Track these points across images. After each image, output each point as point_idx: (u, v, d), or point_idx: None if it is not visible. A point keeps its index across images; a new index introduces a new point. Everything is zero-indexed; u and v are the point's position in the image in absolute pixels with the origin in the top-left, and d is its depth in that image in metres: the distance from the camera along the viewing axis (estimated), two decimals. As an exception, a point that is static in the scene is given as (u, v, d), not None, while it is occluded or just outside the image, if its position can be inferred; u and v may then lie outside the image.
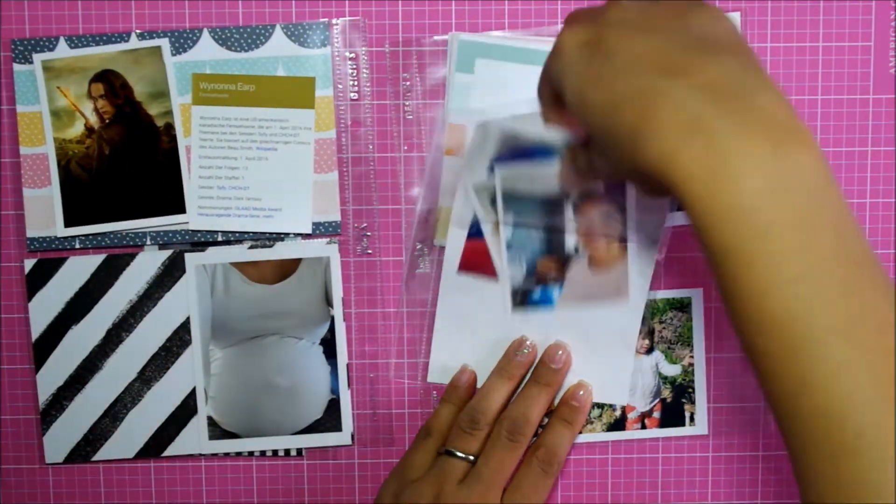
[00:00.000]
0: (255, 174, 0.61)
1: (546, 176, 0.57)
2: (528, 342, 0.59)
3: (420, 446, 0.57)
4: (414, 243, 0.61)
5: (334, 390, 0.62)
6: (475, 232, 0.59)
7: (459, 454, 0.55)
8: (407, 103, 0.61)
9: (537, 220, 0.58)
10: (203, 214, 0.61)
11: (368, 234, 0.62)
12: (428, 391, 0.62)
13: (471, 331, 0.61)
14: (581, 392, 0.59)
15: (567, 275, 0.59)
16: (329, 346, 0.62)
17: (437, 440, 0.57)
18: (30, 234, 0.61)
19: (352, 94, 0.61)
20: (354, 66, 0.61)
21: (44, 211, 0.61)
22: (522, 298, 0.60)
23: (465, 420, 0.56)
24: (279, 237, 0.62)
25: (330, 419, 0.62)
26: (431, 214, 0.61)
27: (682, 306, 0.62)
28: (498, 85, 0.60)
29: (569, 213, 0.59)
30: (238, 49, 0.60)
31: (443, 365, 0.61)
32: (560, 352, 0.58)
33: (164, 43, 0.60)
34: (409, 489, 0.54)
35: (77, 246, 0.61)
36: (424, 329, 0.62)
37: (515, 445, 0.55)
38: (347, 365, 0.62)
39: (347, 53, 0.61)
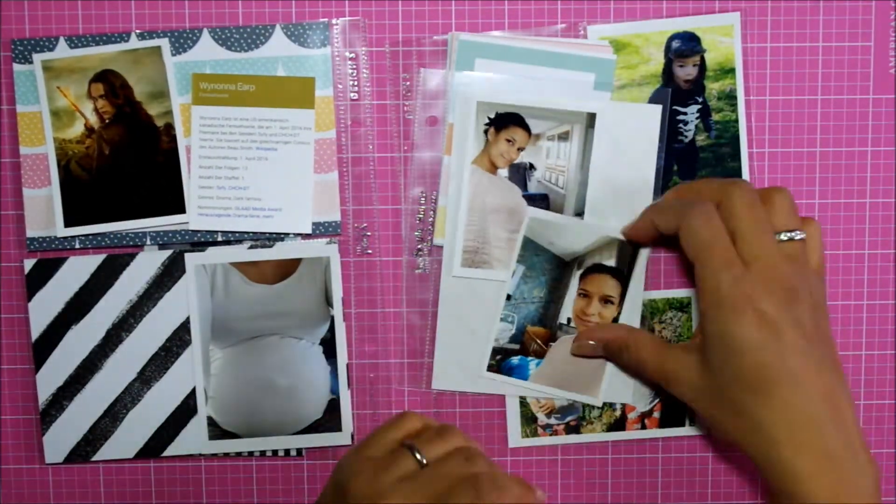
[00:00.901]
0: (255, 174, 0.61)
1: (572, 233, 0.58)
2: None
3: (392, 426, 0.53)
4: (413, 243, 0.61)
5: (334, 390, 0.62)
6: None
7: (416, 454, 0.50)
8: (407, 103, 0.61)
9: (545, 276, 0.59)
10: (203, 214, 0.61)
11: (368, 233, 0.62)
12: (428, 392, 0.62)
13: (473, 333, 0.61)
14: None
15: (550, 351, 0.60)
16: (329, 346, 0.62)
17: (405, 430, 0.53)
18: (30, 234, 0.61)
19: (352, 94, 0.61)
20: (354, 66, 0.61)
21: (44, 211, 0.61)
22: (500, 361, 0.60)
23: (436, 427, 0.52)
24: (279, 237, 0.62)
25: (330, 419, 0.62)
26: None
27: (682, 306, 0.62)
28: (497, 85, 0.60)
29: (574, 280, 0.59)
30: (238, 49, 0.60)
31: (447, 371, 0.61)
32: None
33: (164, 43, 0.60)
34: (358, 462, 0.50)
35: (77, 246, 0.61)
36: (427, 329, 0.62)
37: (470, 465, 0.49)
38: (347, 365, 0.62)
39: (347, 53, 0.61)
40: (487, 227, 0.59)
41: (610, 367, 0.60)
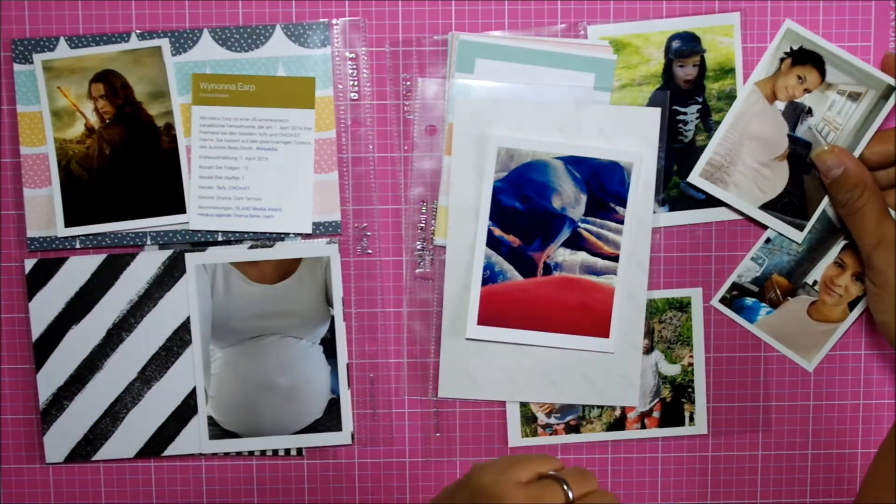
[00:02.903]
0: (255, 174, 0.61)
1: None
2: None
3: (539, 458, 0.51)
4: (413, 243, 0.62)
5: (334, 390, 0.62)
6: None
7: (566, 487, 0.49)
8: (407, 103, 0.61)
9: (811, 234, 0.61)
10: (203, 214, 0.61)
11: (368, 234, 0.62)
12: (426, 391, 0.62)
13: (479, 343, 0.61)
14: None
15: (785, 304, 0.61)
16: (329, 346, 0.62)
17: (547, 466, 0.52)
18: (30, 234, 0.61)
19: (352, 94, 0.61)
20: (354, 66, 0.61)
21: (44, 211, 0.61)
22: (734, 297, 0.61)
23: (577, 469, 0.51)
24: (279, 237, 0.62)
25: (330, 419, 0.62)
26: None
27: (682, 306, 0.62)
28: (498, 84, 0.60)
29: (836, 248, 0.61)
30: (238, 49, 0.60)
31: (453, 380, 0.61)
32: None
33: (165, 43, 0.60)
34: (507, 483, 0.48)
35: (77, 246, 0.61)
36: (431, 329, 0.62)
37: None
38: (347, 365, 0.62)
39: (347, 53, 0.61)
40: (740, 149, 0.59)
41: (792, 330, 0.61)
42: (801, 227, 0.60)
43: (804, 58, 0.59)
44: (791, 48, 0.58)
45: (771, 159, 0.59)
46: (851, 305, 0.62)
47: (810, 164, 0.59)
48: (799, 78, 0.59)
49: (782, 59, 0.59)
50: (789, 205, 0.60)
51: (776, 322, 0.61)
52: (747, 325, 0.61)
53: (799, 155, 0.59)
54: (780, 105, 0.59)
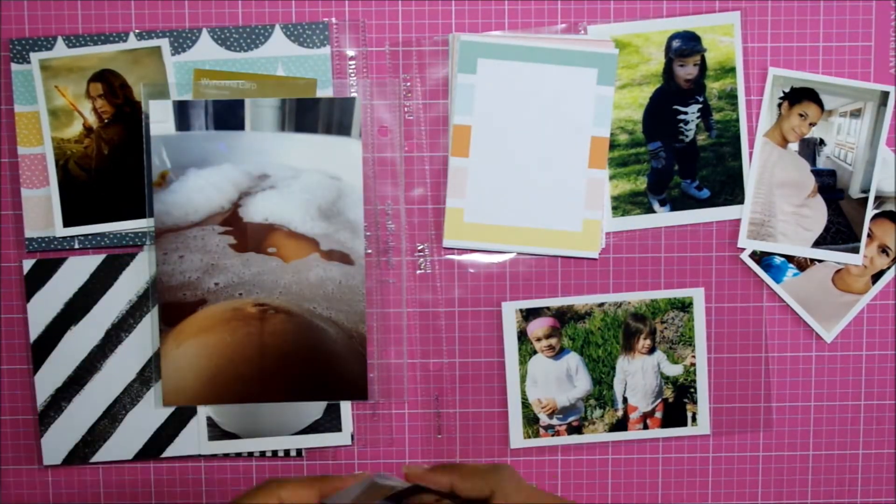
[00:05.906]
0: (255, 174, 0.61)
1: None
2: None
3: None
4: (414, 243, 0.61)
5: (334, 391, 0.62)
6: None
7: None
8: (407, 103, 0.61)
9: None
10: (202, 214, 0.61)
11: (368, 234, 0.62)
12: (428, 391, 0.62)
13: None
14: None
15: (812, 269, 0.62)
16: (329, 346, 0.61)
17: None
18: (28, 234, 0.60)
19: (352, 95, 0.61)
20: (354, 66, 0.61)
21: (42, 211, 0.60)
22: (762, 254, 0.61)
23: None
24: (279, 237, 0.61)
25: (329, 419, 0.62)
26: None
27: (684, 306, 0.62)
28: (501, 84, 0.60)
29: (866, 219, 0.61)
30: (238, 49, 0.60)
31: None
32: None
33: (164, 43, 0.60)
34: None
35: (76, 246, 0.61)
36: (429, 329, 0.62)
37: None
38: (347, 365, 0.62)
39: (347, 53, 0.61)
40: (773, 200, 0.60)
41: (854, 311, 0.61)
42: (856, 250, 0.61)
43: (799, 96, 0.61)
44: (784, 91, 0.60)
45: (804, 199, 0.61)
46: (875, 279, 0.62)
47: (842, 190, 0.60)
48: (801, 115, 0.60)
49: (780, 104, 0.60)
50: (838, 234, 0.61)
51: (801, 285, 0.62)
52: (773, 285, 0.61)
53: (828, 185, 0.61)
54: (794, 146, 0.61)
